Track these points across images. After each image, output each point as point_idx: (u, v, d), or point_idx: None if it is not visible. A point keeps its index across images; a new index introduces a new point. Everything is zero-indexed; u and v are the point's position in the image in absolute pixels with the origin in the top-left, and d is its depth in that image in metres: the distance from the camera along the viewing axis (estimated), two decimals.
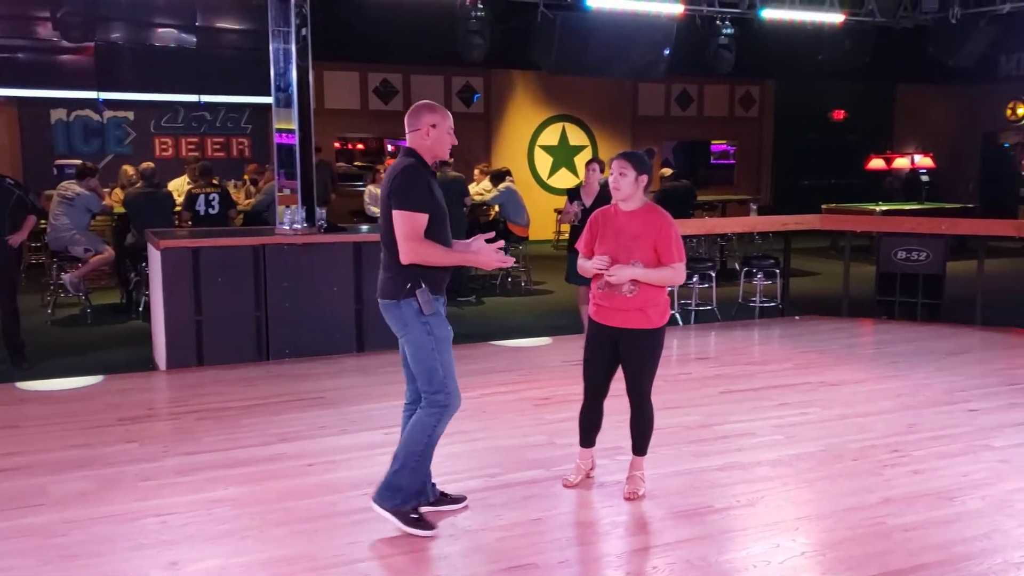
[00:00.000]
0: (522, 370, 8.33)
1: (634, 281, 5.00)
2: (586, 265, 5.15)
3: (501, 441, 6.25)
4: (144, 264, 9.96)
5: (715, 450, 6.08)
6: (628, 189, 5.07)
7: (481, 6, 11.83)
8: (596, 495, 5.31)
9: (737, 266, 11.08)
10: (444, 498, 5.09)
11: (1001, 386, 7.76)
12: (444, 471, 5.62)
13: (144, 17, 14.50)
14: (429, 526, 4.79)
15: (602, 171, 9.39)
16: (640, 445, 5.31)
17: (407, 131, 4.71)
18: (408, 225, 4.50)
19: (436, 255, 4.60)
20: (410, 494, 4.79)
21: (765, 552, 4.57)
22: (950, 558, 4.51)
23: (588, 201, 9.10)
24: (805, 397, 7.41)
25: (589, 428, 5.43)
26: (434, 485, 5.06)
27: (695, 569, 4.39)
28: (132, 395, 7.54)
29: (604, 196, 9.17)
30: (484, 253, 4.75)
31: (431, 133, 4.66)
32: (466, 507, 5.03)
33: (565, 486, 5.39)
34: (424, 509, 4.95)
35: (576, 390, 7.32)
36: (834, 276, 12.36)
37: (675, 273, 5.04)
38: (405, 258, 4.54)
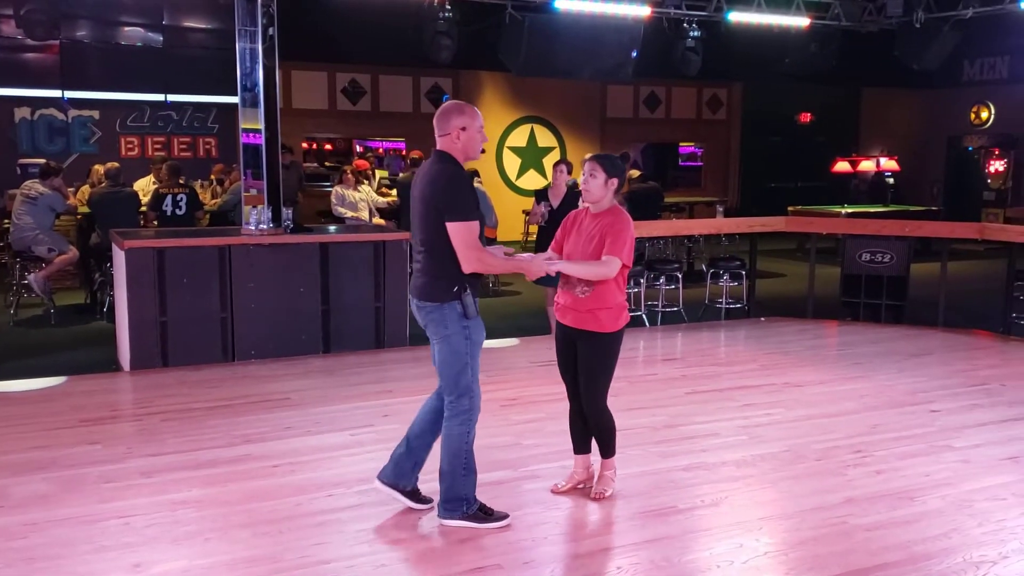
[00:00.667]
0: (489, 371, 8.28)
1: (586, 282, 5.00)
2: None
3: None
4: (109, 264, 9.87)
5: (680, 451, 6.11)
6: (597, 192, 5.05)
7: (449, 7, 11.83)
8: (561, 496, 5.31)
9: (704, 268, 11.14)
10: (415, 493, 5.09)
11: (963, 387, 7.85)
12: None
13: (110, 15, 14.42)
14: (502, 516, 4.89)
15: (570, 172, 9.44)
16: (603, 449, 5.30)
17: (437, 135, 4.71)
18: (466, 235, 4.55)
19: (496, 264, 4.77)
20: (472, 497, 4.85)
21: (728, 552, 4.61)
22: (911, 557, 4.56)
23: (555, 202, 9.13)
24: (770, 398, 7.46)
25: (576, 434, 5.39)
26: (417, 477, 5.08)
27: (659, 569, 4.42)
28: (95, 396, 7.47)
29: (571, 197, 9.22)
30: (536, 263, 4.92)
31: (461, 136, 4.67)
32: (431, 509, 5.03)
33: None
34: (389, 490, 5.01)
35: (543, 391, 7.38)
36: (800, 278, 12.44)
37: (602, 267, 4.92)
38: (468, 267, 4.58)
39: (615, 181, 5.07)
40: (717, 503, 5.25)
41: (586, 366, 5.10)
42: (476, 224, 4.57)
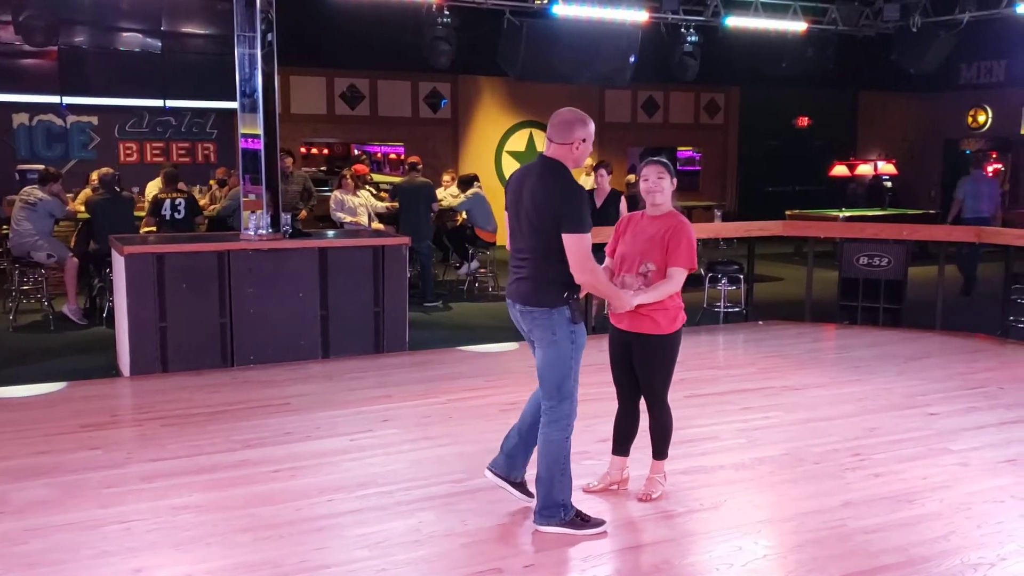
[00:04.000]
0: (489, 375, 8.34)
1: (641, 285, 5.08)
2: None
3: (468, 446, 6.26)
4: (108, 270, 9.88)
5: (679, 454, 6.10)
6: (668, 193, 5.18)
7: (448, 12, 11.86)
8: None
9: (702, 272, 11.13)
10: (522, 486, 5.18)
11: (960, 390, 7.86)
12: (411, 476, 5.66)
13: (109, 21, 14.43)
14: (598, 523, 4.90)
15: (609, 174, 9.80)
16: (656, 449, 5.36)
17: (553, 141, 4.67)
18: (582, 248, 4.55)
19: (604, 284, 4.84)
20: (568, 503, 4.85)
21: (727, 555, 4.62)
22: (909, 560, 4.58)
23: (599, 202, 9.58)
24: (768, 401, 7.48)
25: (618, 435, 5.44)
26: (525, 471, 5.14)
27: (658, 572, 4.43)
28: (95, 402, 7.48)
29: (614, 197, 9.68)
30: (625, 298, 4.97)
31: (580, 148, 4.66)
32: (534, 502, 5.09)
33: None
34: (500, 481, 5.13)
35: None
36: (797, 282, 12.47)
37: (671, 284, 5.06)
38: (581, 278, 4.60)
39: (675, 182, 5.22)
40: (716, 506, 5.27)
41: (645, 368, 5.18)
42: (590, 236, 4.57)
